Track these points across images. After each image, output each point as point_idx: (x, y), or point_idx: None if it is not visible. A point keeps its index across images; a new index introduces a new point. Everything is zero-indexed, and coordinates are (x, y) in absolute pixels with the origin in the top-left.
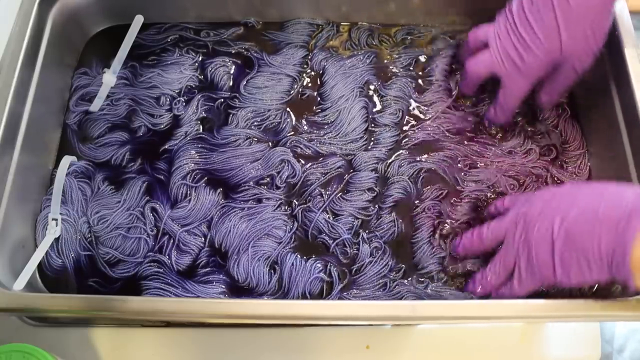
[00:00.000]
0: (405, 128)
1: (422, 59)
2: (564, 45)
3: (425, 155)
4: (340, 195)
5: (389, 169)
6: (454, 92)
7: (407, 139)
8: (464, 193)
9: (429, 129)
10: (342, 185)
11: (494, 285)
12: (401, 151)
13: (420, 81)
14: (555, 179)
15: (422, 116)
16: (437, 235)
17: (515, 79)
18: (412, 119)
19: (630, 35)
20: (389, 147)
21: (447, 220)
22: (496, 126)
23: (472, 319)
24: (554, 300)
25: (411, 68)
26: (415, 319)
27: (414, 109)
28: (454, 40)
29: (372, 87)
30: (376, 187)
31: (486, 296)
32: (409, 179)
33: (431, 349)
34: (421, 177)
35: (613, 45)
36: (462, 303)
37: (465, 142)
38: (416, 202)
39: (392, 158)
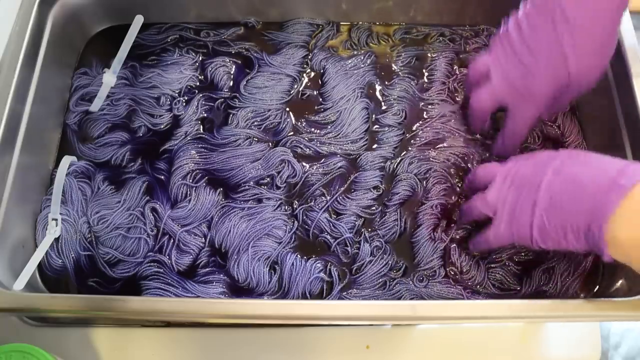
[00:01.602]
0: (413, 127)
1: (423, 58)
2: (571, 69)
3: (435, 153)
4: (344, 195)
5: (398, 167)
6: (458, 98)
7: (416, 138)
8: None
9: (437, 127)
10: (346, 185)
11: (467, 219)
12: (411, 149)
13: (422, 80)
14: None
15: (427, 115)
16: (439, 231)
17: (523, 108)
18: (417, 118)
19: (631, 34)
20: (394, 146)
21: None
22: (501, 158)
23: (472, 319)
24: (554, 300)
25: (412, 67)
26: (415, 319)
27: (418, 108)
28: (453, 43)
29: (374, 87)
30: (382, 184)
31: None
32: (416, 176)
33: (431, 349)
34: (430, 175)
35: None
36: (462, 303)
37: (473, 140)
38: (422, 199)
39: (402, 156)
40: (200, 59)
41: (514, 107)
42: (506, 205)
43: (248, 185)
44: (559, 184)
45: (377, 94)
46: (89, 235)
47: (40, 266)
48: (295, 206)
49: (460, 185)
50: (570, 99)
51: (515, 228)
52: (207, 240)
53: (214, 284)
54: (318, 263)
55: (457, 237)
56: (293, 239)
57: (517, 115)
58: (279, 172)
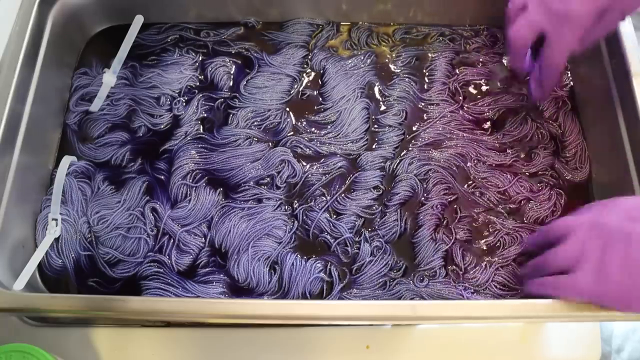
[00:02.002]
0: (413, 128)
1: (423, 58)
2: None
3: (435, 154)
4: (345, 195)
5: (398, 167)
6: (460, 98)
7: (416, 137)
8: (473, 192)
9: (438, 127)
10: (346, 185)
11: (538, 272)
12: (411, 149)
13: (422, 80)
14: (559, 175)
15: (427, 116)
16: (440, 231)
17: (562, 34)
18: (417, 118)
19: (631, 34)
20: (394, 147)
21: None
22: (537, 101)
23: (472, 319)
24: (554, 300)
25: (412, 67)
26: (415, 319)
27: (418, 108)
28: (453, 43)
29: (374, 88)
30: (382, 184)
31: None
32: (416, 177)
33: (431, 349)
34: (430, 175)
35: (613, 43)
36: (462, 303)
37: (474, 140)
38: (423, 200)
39: (402, 156)
40: (200, 59)
41: (552, 34)
42: (591, 260)
43: (248, 185)
44: None
45: (377, 94)
46: (89, 235)
47: (40, 266)
48: (295, 206)
49: (459, 187)
50: (610, 24)
51: (603, 287)
52: (207, 240)
53: (214, 284)
54: (318, 263)
55: (460, 237)
56: (293, 239)
57: (555, 42)
58: (279, 172)
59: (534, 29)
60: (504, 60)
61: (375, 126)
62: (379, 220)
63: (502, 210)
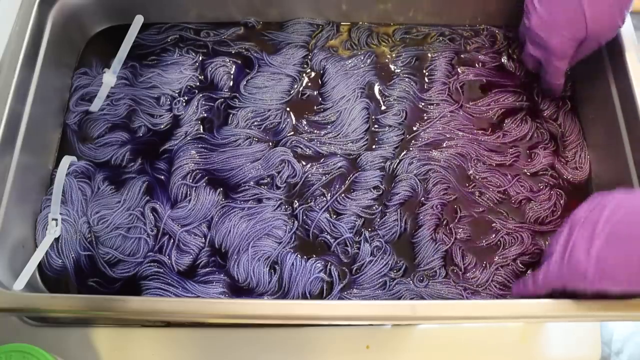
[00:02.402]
0: (414, 128)
1: (423, 58)
2: (589, 24)
3: (435, 154)
4: (345, 195)
5: (398, 167)
6: (460, 98)
7: (416, 137)
8: (473, 192)
9: (438, 127)
10: (346, 185)
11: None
12: (411, 149)
13: (422, 80)
14: (559, 175)
15: (427, 116)
16: (440, 231)
17: (551, 62)
18: (417, 118)
19: (630, 34)
20: (394, 146)
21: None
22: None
23: (472, 319)
24: (554, 300)
25: (412, 67)
26: (415, 319)
27: (418, 108)
28: (453, 43)
29: (374, 88)
30: (382, 184)
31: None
32: (417, 177)
33: (431, 349)
34: (430, 175)
35: (613, 44)
36: (462, 303)
37: (474, 140)
38: (423, 200)
39: (402, 156)
40: (200, 59)
41: (544, 62)
42: (559, 243)
43: (248, 185)
44: (621, 218)
45: (377, 94)
46: (89, 235)
47: (40, 266)
48: (295, 206)
49: (459, 187)
50: (586, 51)
51: (568, 265)
52: (207, 240)
53: (214, 284)
54: (318, 263)
55: (460, 237)
56: (293, 239)
57: (547, 68)
58: (279, 172)
59: (532, 60)
60: (503, 60)
61: (375, 126)
62: (379, 220)
63: (502, 210)
